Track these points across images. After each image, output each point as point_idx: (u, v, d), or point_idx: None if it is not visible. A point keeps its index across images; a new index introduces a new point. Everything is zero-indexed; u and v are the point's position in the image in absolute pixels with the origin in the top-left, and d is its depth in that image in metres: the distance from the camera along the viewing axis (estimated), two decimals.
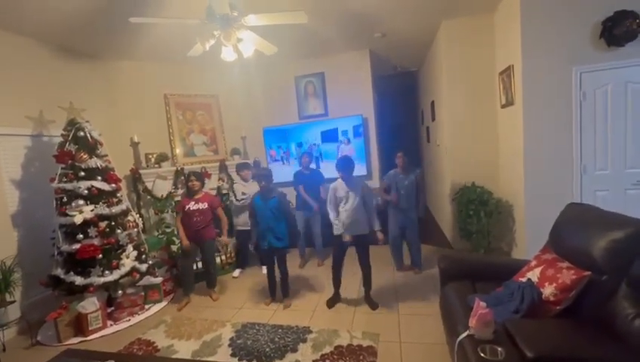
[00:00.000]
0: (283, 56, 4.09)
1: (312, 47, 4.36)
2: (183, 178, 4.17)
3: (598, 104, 2.93)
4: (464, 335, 1.50)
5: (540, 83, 3.02)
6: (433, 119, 5.08)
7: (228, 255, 4.23)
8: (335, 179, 2.91)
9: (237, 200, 3.96)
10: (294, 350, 2.37)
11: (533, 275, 1.75)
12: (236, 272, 3.99)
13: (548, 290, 1.62)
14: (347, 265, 3.05)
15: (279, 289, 3.15)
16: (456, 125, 4.01)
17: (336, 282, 2.99)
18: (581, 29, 2.86)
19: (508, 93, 3.37)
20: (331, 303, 2.98)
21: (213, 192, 4.42)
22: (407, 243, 3.58)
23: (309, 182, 3.99)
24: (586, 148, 3.00)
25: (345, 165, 2.81)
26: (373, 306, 2.86)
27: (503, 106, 3.59)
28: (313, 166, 4.31)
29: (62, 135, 3.12)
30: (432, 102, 5.01)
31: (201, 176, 3.45)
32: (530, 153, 3.13)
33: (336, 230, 2.81)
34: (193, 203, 3.23)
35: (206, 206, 3.25)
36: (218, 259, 4.11)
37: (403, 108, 7.52)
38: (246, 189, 3.90)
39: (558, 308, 1.57)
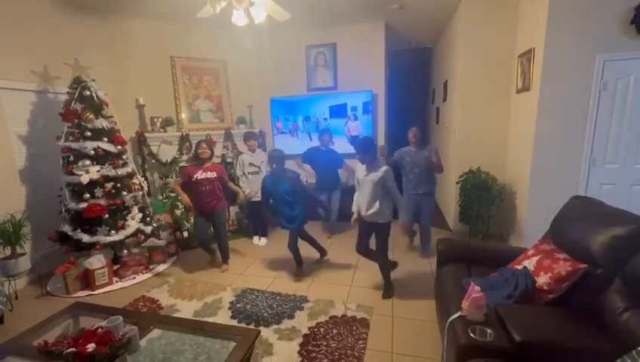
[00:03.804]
0: (295, 24, 3.92)
1: (326, 15, 4.17)
2: (187, 144, 4.17)
3: (617, 95, 2.84)
4: (456, 315, 1.56)
5: (560, 69, 2.91)
6: (444, 100, 4.95)
7: (230, 223, 4.32)
8: (346, 155, 2.82)
9: (244, 173, 3.89)
10: (291, 316, 2.48)
11: (530, 264, 1.79)
12: (263, 241, 4.01)
13: (542, 279, 1.66)
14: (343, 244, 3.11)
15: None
16: (468, 107, 3.91)
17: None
18: (611, 13, 2.70)
19: (525, 77, 3.26)
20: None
21: (218, 160, 4.43)
22: (419, 228, 3.46)
23: (324, 160, 3.94)
24: (598, 141, 2.94)
25: (364, 147, 2.53)
26: (387, 295, 2.71)
27: (518, 91, 3.48)
28: (331, 145, 4.17)
29: (67, 93, 3.09)
30: (445, 82, 4.86)
31: (211, 144, 3.35)
32: (540, 142, 3.08)
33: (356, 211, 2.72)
34: (201, 171, 3.13)
35: (215, 175, 3.17)
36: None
37: (413, 86, 7.29)
38: (253, 160, 3.89)
39: (550, 296, 1.62)
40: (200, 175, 3.12)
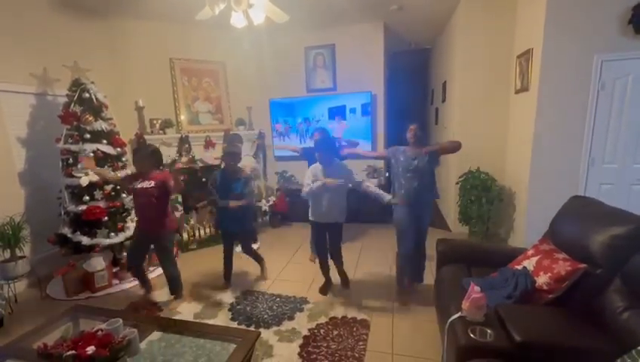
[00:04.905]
0: (294, 25, 3.91)
1: (325, 16, 4.18)
2: (187, 146, 4.18)
3: (615, 95, 2.85)
4: (456, 316, 1.56)
5: (559, 69, 2.92)
6: (444, 100, 4.96)
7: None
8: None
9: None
10: (291, 318, 2.47)
11: (529, 264, 1.79)
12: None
13: (542, 279, 1.66)
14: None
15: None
16: (467, 108, 3.92)
17: (325, 268, 2.83)
18: (609, 13, 2.72)
19: (524, 78, 3.27)
20: (325, 290, 2.84)
21: (216, 162, 4.43)
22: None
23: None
24: (597, 140, 2.95)
25: (323, 146, 2.54)
26: (346, 284, 2.86)
27: (517, 92, 3.49)
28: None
29: (67, 95, 3.09)
30: (444, 83, 4.87)
31: (154, 155, 2.64)
32: (539, 142, 3.08)
33: (310, 215, 2.69)
34: (141, 180, 2.54)
35: (152, 184, 2.50)
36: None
37: (412, 87, 7.30)
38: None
39: (550, 296, 1.62)
40: (139, 183, 2.53)
